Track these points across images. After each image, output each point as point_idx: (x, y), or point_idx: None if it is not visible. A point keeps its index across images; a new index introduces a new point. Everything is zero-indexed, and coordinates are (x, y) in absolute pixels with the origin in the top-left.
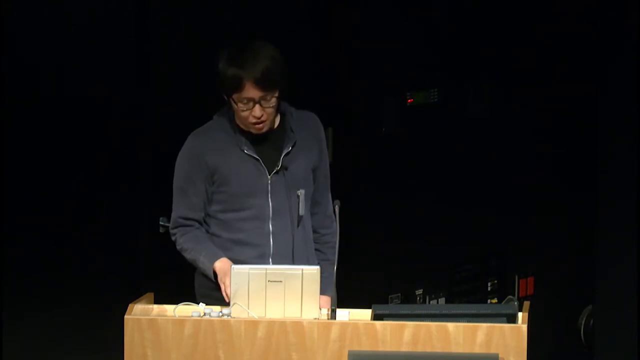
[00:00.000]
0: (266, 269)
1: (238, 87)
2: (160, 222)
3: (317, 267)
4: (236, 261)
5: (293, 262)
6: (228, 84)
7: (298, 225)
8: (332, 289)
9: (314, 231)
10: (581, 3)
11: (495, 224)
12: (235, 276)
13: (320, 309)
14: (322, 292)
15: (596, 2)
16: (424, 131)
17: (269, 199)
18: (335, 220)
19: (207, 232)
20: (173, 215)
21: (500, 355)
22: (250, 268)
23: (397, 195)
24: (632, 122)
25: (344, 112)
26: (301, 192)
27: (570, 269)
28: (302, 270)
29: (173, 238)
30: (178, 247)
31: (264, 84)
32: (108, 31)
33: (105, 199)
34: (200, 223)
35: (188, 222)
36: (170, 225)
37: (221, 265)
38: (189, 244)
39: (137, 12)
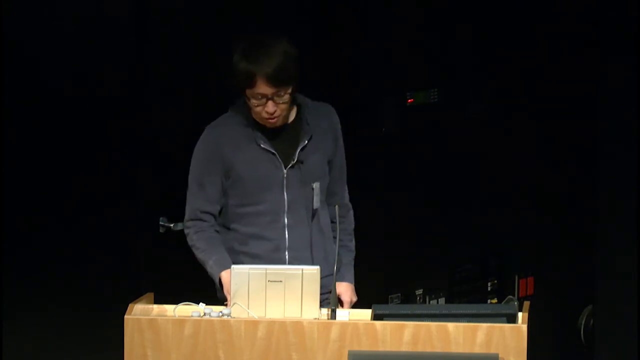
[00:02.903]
0: (266, 269)
1: (250, 83)
2: (160, 222)
3: (317, 267)
4: (252, 255)
5: (311, 255)
6: (241, 79)
7: (313, 218)
8: (352, 276)
9: (331, 221)
10: (581, 3)
11: (495, 224)
12: (235, 276)
13: (340, 297)
14: (342, 278)
15: (596, 2)
16: (424, 131)
17: (284, 193)
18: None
19: (224, 226)
20: (188, 207)
21: (500, 355)
22: (250, 268)
23: (397, 195)
24: (632, 122)
25: (344, 112)
26: (316, 185)
27: (570, 269)
28: (302, 270)
29: (186, 231)
30: (190, 243)
31: (276, 80)
32: (108, 31)
33: (105, 199)
34: (215, 217)
35: (204, 217)
36: (185, 217)
37: (227, 276)
38: (201, 243)
39: (137, 12)
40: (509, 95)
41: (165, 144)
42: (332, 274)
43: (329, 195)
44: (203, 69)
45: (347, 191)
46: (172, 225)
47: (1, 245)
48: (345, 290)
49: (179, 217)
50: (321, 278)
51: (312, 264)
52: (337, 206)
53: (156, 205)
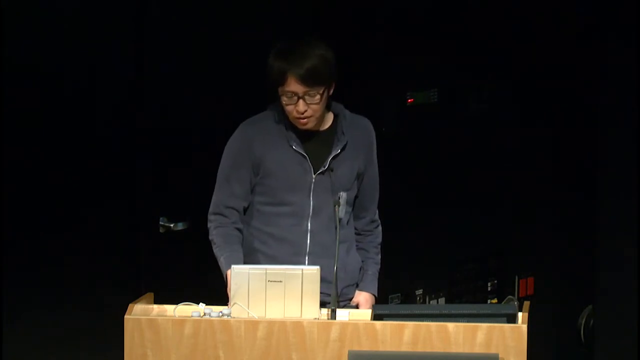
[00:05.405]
0: (266, 269)
1: (281, 80)
2: (160, 222)
3: (317, 267)
4: (270, 256)
5: (331, 263)
6: (273, 76)
7: (337, 227)
8: (374, 287)
9: (358, 233)
10: (581, 3)
11: (495, 224)
12: (235, 276)
13: (358, 305)
14: (364, 288)
15: (596, 2)
16: (424, 131)
17: (311, 198)
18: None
19: (246, 223)
20: (214, 199)
21: (500, 355)
22: (250, 268)
23: (397, 195)
24: (632, 122)
25: None
26: (342, 195)
27: (570, 269)
28: (302, 270)
29: (208, 225)
30: (209, 237)
31: (308, 79)
32: (108, 30)
33: (105, 199)
34: (239, 213)
35: (226, 212)
36: (210, 208)
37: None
38: (218, 239)
39: (137, 11)
40: (509, 95)
41: (166, 144)
42: (353, 285)
43: (360, 209)
44: (204, 68)
45: (376, 207)
46: (172, 225)
47: (1, 245)
48: (365, 300)
49: (179, 217)
50: (342, 288)
51: (331, 271)
52: (365, 219)
53: (156, 205)
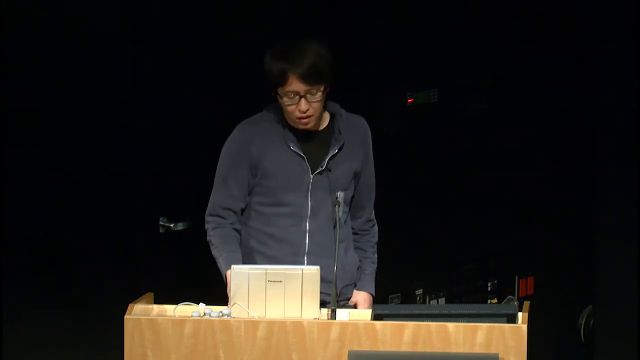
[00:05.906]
0: (266, 269)
1: (283, 80)
2: (160, 222)
3: (317, 267)
4: (269, 256)
5: (330, 262)
6: (273, 77)
7: (335, 227)
8: (372, 287)
9: (355, 233)
10: (581, 2)
11: (495, 224)
12: (235, 276)
13: (356, 305)
14: (362, 288)
15: (596, 2)
16: (424, 131)
17: (309, 198)
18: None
19: (244, 223)
20: (211, 200)
21: (500, 355)
22: (250, 268)
23: (397, 195)
24: (632, 122)
25: None
26: (340, 195)
27: (570, 269)
28: (302, 270)
29: (206, 226)
30: (207, 238)
31: (309, 78)
32: (107, 30)
33: (105, 199)
34: (236, 214)
35: (224, 213)
36: (207, 210)
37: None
38: (216, 239)
39: (137, 11)
40: (509, 95)
41: (166, 144)
42: (351, 284)
43: (357, 209)
44: (204, 69)
45: (373, 207)
46: (172, 225)
47: (1, 245)
48: (363, 299)
49: (179, 217)
50: (341, 287)
51: (331, 271)
52: (362, 218)
53: (156, 205)
